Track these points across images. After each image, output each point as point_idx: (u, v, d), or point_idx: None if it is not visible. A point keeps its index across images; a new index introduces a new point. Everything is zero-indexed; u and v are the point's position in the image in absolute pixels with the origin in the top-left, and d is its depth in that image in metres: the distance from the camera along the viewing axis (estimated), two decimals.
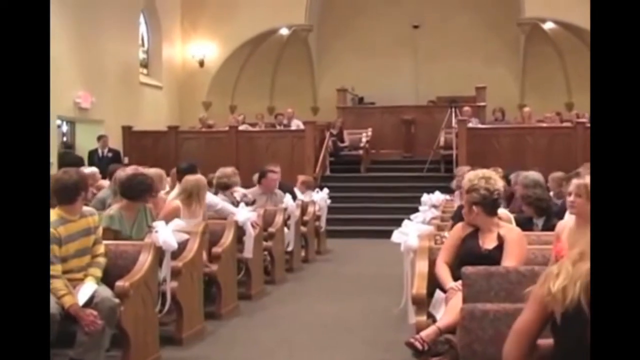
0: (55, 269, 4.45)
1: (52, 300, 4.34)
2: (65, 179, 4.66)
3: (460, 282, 4.03)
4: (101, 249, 4.86)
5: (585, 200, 4.09)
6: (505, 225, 4.64)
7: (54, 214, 4.62)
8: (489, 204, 4.55)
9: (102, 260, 4.82)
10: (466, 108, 15.55)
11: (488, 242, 4.52)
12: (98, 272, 4.73)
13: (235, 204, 7.81)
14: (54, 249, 4.47)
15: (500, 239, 4.47)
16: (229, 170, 8.08)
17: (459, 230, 4.74)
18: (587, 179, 4.06)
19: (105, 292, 4.58)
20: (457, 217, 5.81)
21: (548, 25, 18.03)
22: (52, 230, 4.47)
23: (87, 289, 4.53)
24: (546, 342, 2.50)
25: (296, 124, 16.29)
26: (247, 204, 8.06)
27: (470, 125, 14.81)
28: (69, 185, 4.62)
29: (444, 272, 4.54)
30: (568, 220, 4.49)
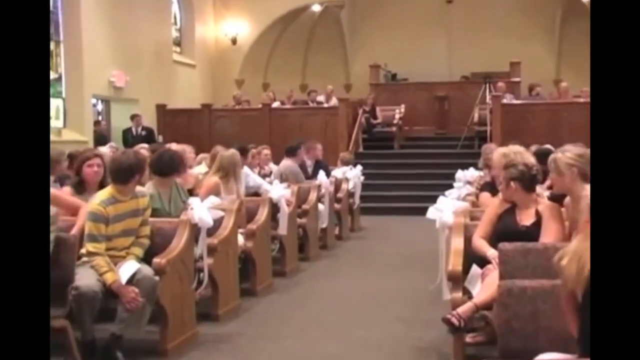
0: (100, 247, 4.56)
1: (94, 276, 4.45)
2: (122, 160, 4.77)
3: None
4: (147, 230, 4.92)
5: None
6: (543, 201, 4.59)
7: (107, 192, 4.73)
8: (527, 180, 4.50)
9: (145, 241, 4.89)
10: (500, 84, 15.33)
11: (526, 219, 4.47)
12: (140, 252, 4.80)
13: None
14: (100, 227, 4.58)
15: (538, 215, 4.42)
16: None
17: (495, 206, 4.70)
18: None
19: (147, 270, 4.64)
20: (486, 189, 5.82)
21: None
22: (101, 208, 4.60)
23: (130, 267, 4.60)
24: None
25: (323, 99, 16.32)
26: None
27: (504, 101, 14.62)
28: (124, 167, 4.72)
29: (481, 243, 4.52)
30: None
